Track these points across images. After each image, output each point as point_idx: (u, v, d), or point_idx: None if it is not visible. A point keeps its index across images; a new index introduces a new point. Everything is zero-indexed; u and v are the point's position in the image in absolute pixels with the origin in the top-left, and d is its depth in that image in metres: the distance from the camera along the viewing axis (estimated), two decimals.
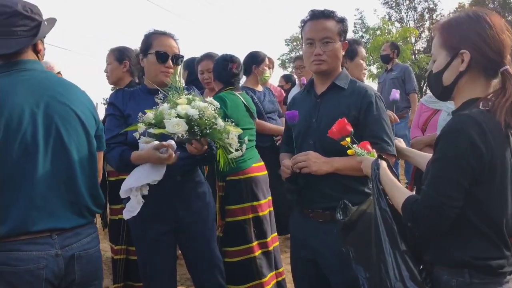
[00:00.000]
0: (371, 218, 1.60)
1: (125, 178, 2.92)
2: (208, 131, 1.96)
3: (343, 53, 2.12)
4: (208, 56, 3.60)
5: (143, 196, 2.10)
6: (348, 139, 1.80)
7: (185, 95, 2.06)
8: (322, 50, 2.04)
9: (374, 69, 21.20)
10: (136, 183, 2.08)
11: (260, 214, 3.05)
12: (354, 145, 1.81)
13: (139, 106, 2.22)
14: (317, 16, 2.07)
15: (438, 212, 1.32)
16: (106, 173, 3.06)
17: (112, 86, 3.37)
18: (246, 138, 2.21)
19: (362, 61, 3.30)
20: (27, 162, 1.56)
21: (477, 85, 1.42)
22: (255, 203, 3.02)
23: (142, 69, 2.44)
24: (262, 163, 3.21)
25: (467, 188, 1.31)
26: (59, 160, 1.63)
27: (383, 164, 1.63)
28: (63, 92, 1.68)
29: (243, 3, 67.16)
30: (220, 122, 1.99)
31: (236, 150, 2.09)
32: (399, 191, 1.50)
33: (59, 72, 3.78)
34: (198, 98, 2.04)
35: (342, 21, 2.09)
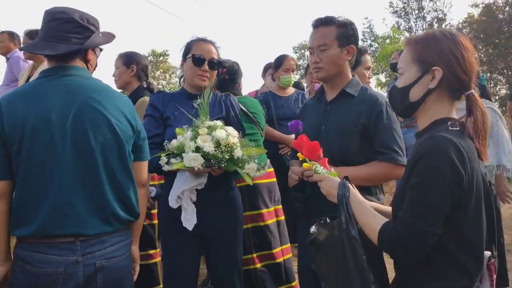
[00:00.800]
0: (338, 244, 1.47)
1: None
2: (224, 164, 2.00)
3: (349, 58, 2.09)
4: None
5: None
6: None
7: (209, 120, 2.12)
8: (319, 58, 2.04)
9: (382, 77, 21.16)
10: (182, 188, 2.12)
11: (262, 224, 2.97)
12: (315, 162, 1.69)
13: (177, 109, 2.30)
14: (317, 24, 2.08)
15: (420, 240, 1.25)
16: None
17: (120, 90, 3.39)
18: (268, 161, 2.19)
19: (365, 71, 3.22)
20: (54, 165, 1.57)
21: (444, 105, 1.41)
22: (254, 212, 2.95)
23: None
24: (267, 170, 3.13)
25: (446, 214, 1.25)
26: (86, 165, 1.62)
27: (352, 186, 1.54)
28: (98, 97, 1.68)
29: (252, 11, 67.57)
30: (237, 152, 2.02)
31: (258, 170, 2.11)
32: (373, 216, 1.41)
33: None
34: (220, 125, 2.08)
35: (344, 25, 2.06)
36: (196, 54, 2.33)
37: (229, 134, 2.03)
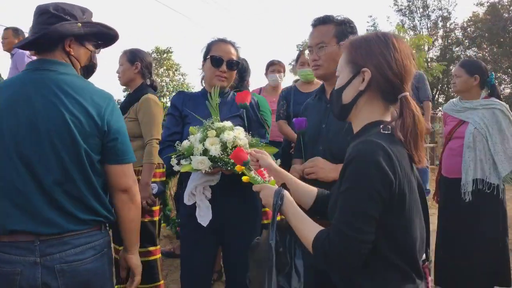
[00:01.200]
0: (262, 251, 1.47)
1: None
2: (230, 167, 2.00)
3: None
4: None
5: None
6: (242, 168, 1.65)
7: (218, 122, 2.13)
8: (317, 55, 2.07)
9: None
10: (194, 184, 2.15)
11: (265, 222, 2.98)
12: (251, 172, 1.65)
13: (196, 108, 2.36)
14: (316, 23, 2.11)
15: (352, 248, 1.21)
16: None
17: (124, 87, 3.40)
18: (278, 160, 2.19)
19: None
20: (7, 158, 1.53)
21: (375, 108, 1.38)
22: (266, 208, 2.96)
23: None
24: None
25: (377, 220, 1.22)
26: (39, 161, 1.54)
27: (287, 194, 1.48)
28: (61, 93, 1.58)
29: (255, 9, 67.43)
30: None
31: None
32: (308, 224, 1.38)
33: None
34: (229, 127, 2.09)
35: (342, 23, 2.08)
36: (215, 55, 2.38)
37: (236, 137, 2.03)
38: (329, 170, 1.95)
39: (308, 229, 1.36)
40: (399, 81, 1.34)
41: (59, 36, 1.65)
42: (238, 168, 1.64)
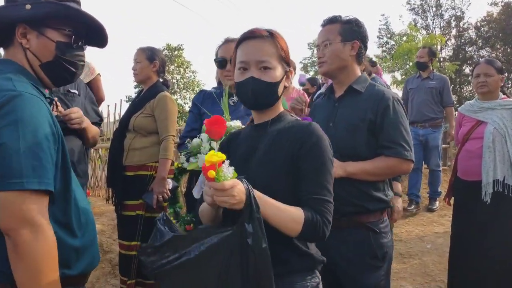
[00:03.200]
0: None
1: (143, 174, 3.00)
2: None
3: (354, 53, 2.09)
4: None
5: None
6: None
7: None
8: (322, 53, 2.10)
9: (398, 75, 20.93)
10: (202, 179, 2.15)
11: None
12: (220, 169, 1.21)
13: (213, 106, 2.47)
14: (324, 23, 2.15)
15: (332, 210, 1.41)
16: (124, 168, 3.12)
17: (135, 83, 3.43)
18: None
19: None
20: None
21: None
22: None
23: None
24: None
25: None
26: None
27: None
28: None
29: (266, 6, 67.38)
30: None
31: None
32: (285, 208, 1.31)
33: (98, 74, 3.85)
34: (236, 126, 2.11)
35: (348, 22, 2.10)
36: (218, 57, 2.49)
37: None
38: (336, 167, 1.94)
39: (290, 211, 1.32)
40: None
41: (3, 25, 1.34)
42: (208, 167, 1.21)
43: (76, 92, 2.55)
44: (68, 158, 1.35)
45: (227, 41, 2.54)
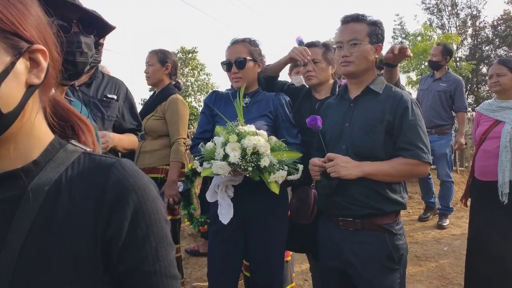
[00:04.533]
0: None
1: (154, 177, 3.02)
2: (249, 174, 2.04)
3: (377, 55, 2.09)
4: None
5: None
6: None
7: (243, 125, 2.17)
8: (349, 52, 2.05)
9: (413, 75, 20.70)
10: (216, 182, 2.20)
11: None
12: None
13: (225, 107, 2.45)
14: (347, 20, 2.10)
15: None
16: None
17: (150, 87, 3.45)
18: (301, 166, 2.20)
19: None
20: None
21: None
22: None
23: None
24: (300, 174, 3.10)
25: None
26: None
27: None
28: None
29: (280, 7, 67.41)
30: (264, 162, 2.04)
31: (293, 173, 2.15)
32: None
33: None
34: (251, 132, 2.10)
35: (374, 24, 2.08)
36: (224, 60, 2.46)
37: (256, 145, 2.03)
38: (351, 167, 1.93)
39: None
40: None
41: None
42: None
43: (115, 97, 2.51)
44: None
45: (231, 43, 2.51)
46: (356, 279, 2.02)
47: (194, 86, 27.87)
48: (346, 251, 2.04)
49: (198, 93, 27.75)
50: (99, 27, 1.51)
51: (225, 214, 2.20)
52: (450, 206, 5.52)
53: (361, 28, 2.06)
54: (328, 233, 2.15)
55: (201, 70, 28.89)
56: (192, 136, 2.72)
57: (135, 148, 2.60)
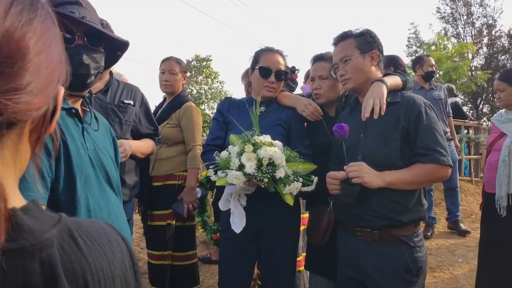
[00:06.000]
0: None
1: (171, 184, 3.03)
2: (264, 185, 2.03)
3: (375, 63, 2.10)
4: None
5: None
6: None
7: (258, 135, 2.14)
8: (344, 70, 2.09)
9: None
10: (229, 191, 2.20)
11: (302, 227, 2.98)
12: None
13: (239, 115, 2.41)
14: (336, 42, 2.15)
15: None
16: (150, 178, 3.16)
17: (164, 94, 3.50)
18: (315, 178, 2.18)
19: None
20: None
21: None
22: (305, 215, 2.92)
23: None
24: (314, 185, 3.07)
25: None
26: None
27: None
28: None
29: (294, 17, 67.57)
30: (280, 173, 2.03)
31: (307, 185, 2.14)
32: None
33: None
34: (267, 142, 2.08)
35: (361, 34, 2.10)
36: (263, 65, 2.38)
37: (272, 156, 2.03)
38: (374, 176, 1.91)
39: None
40: None
41: None
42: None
43: (131, 102, 2.54)
44: (75, 170, 1.39)
45: (272, 50, 2.44)
46: None
47: (208, 94, 28.05)
48: (363, 262, 2.02)
49: (212, 101, 27.92)
50: (108, 41, 1.55)
51: (238, 223, 2.19)
52: (457, 213, 5.58)
53: (348, 44, 2.09)
54: (345, 244, 2.13)
55: (214, 78, 29.09)
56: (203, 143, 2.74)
57: (153, 152, 2.64)
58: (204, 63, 28.57)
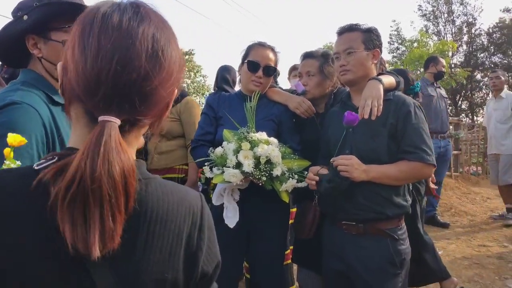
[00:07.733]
0: None
1: (172, 177, 3.02)
2: (261, 183, 2.04)
3: (375, 61, 2.13)
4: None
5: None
6: None
7: (255, 132, 2.14)
8: (346, 61, 2.09)
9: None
10: (223, 186, 2.18)
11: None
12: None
13: (230, 109, 2.37)
14: (342, 31, 2.15)
15: None
16: (149, 172, 3.13)
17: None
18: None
19: None
20: None
21: None
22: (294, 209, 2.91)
23: None
24: None
25: None
26: None
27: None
28: None
29: (278, 12, 67.52)
30: (277, 171, 2.04)
31: (301, 181, 2.14)
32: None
33: None
34: (264, 140, 2.09)
35: (368, 30, 2.12)
36: (252, 59, 2.37)
37: (270, 154, 2.04)
38: (361, 171, 1.94)
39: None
40: None
41: (11, 44, 1.34)
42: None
43: None
44: None
45: (263, 46, 2.43)
46: (358, 283, 2.04)
47: (190, 87, 27.87)
48: (348, 255, 2.05)
49: (194, 95, 27.75)
50: None
51: (232, 217, 2.19)
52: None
53: (355, 37, 2.10)
54: (331, 237, 2.17)
55: (197, 72, 28.90)
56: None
57: (141, 147, 2.62)
58: (187, 56, 28.36)
